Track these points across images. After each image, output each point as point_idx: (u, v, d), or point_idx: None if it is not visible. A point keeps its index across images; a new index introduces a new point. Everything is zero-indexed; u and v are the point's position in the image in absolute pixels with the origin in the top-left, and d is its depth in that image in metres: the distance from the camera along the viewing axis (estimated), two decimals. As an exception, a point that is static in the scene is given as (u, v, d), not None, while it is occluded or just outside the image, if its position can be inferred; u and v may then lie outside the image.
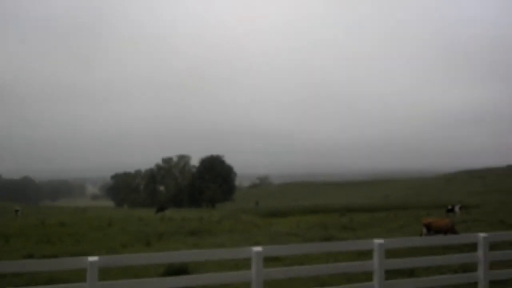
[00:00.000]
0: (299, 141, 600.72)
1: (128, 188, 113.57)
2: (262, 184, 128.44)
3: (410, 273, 10.41)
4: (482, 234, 8.11)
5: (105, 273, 7.76)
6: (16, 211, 42.79)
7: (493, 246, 8.14)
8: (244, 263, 8.89)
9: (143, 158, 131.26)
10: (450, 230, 18.57)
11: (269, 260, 10.82)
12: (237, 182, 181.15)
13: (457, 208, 35.50)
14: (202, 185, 79.43)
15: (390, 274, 8.05)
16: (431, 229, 18.59)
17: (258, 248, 6.72)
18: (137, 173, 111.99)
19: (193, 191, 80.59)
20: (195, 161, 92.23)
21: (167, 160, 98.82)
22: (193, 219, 37.60)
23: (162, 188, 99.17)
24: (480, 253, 7.99)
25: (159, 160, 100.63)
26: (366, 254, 8.16)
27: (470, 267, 9.42)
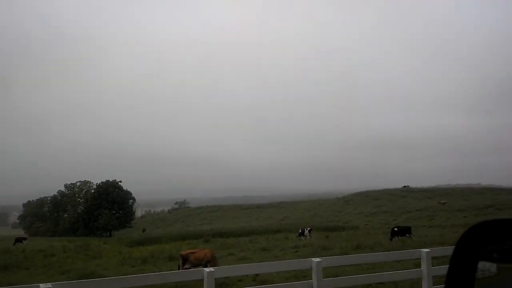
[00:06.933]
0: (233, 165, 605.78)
1: (35, 216, 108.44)
2: (179, 209, 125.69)
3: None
4: None
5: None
6: None
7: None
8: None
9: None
10: (210, 261, 17.40)
11: None
12: (161, 207, 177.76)
13: (306, 231, 35.19)
14: (96, 212, 76.24)
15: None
16: (189, 261, 17.29)
17: None
18: (42, 200, 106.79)
19: (89, 219, 77.24)
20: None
21: (70, 187, 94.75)
22: (34, 251, 35.65)
23: (66, 215, 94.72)
24: None
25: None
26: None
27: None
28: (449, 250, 10.49)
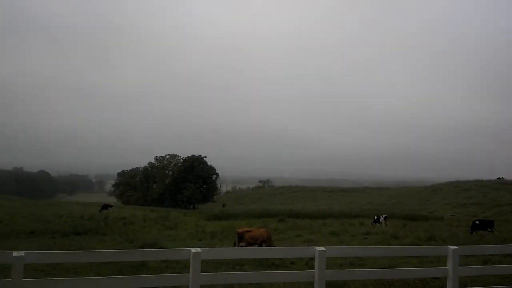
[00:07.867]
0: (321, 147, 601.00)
1: (128, 186, 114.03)
2: (263, 187, 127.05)
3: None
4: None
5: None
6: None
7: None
8: None
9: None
10: (266, 241, 17.18)
11: None
12: (247, 185, 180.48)
13: (382, 219, 33.96)
14: (181, 185, 78.77)
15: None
16: (244, 239, 17.17)
17: None
18: (135, 170, 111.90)
19: (175, 191, 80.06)
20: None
21: (159, 159, 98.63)
22: (116, 219, 37.46)
23: (155, 186, 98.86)
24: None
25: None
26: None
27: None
28: (479, 249, 9.47)
